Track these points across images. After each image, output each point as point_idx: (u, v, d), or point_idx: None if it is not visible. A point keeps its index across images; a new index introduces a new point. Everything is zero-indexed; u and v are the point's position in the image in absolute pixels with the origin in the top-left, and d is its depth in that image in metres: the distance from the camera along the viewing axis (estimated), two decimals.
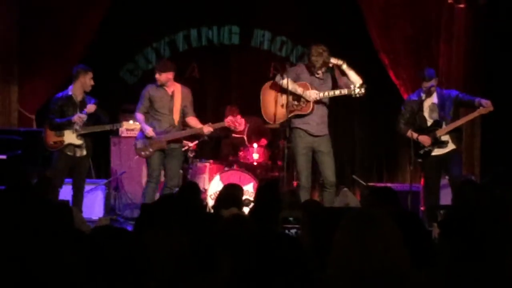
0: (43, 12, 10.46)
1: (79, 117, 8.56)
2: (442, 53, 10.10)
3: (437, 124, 8.36)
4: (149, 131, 8.50)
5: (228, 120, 8.80)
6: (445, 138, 8.34)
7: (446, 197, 8.47)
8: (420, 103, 8.39)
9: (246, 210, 7.15)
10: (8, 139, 9.38)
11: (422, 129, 8.39)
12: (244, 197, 7.08)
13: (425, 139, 8.33)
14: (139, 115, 8.63)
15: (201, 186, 8.90)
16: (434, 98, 8.41)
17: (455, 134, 8.42)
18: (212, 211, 7.72)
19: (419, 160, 8.50)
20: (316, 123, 8.23)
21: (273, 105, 8.35)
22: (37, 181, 7.45)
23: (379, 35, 10.38)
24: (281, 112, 8.25)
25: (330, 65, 8.18)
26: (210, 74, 11.44)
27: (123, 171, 10.27)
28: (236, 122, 8.77)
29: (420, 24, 10.26)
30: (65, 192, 8.63)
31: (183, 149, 9.50)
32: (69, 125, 8.60)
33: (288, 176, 8.83)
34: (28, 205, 4.15)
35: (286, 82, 8.06)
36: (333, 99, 8.38)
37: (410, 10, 10.27)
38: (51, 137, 8.66)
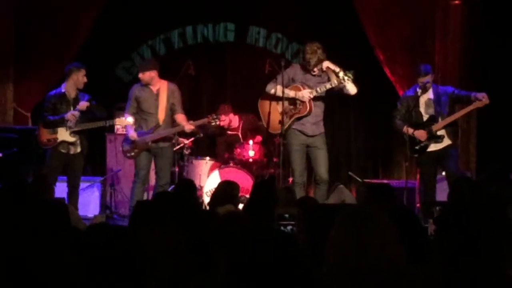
0: (38, 10, 10.46)
1: (72, 115, 8.55)
2: (437, 50, 10.10)
3: (433, 119, 8.37)
4: (132, 134, 8.55)
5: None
6: (441, 132, 8.35)
7: (442, 193, 8.48)
8: (416, 98, 8.40)
9: (242, 207, 7.16)
10: (4, 137, 9.37)
11: (418, 124, 8.39)
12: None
13: (421, 134, 8.34)
14: (127, 117, 8.65)
15: (197, 183, 8.89)
16: (430, 94, 8.43)
17: (451, 128, 8.43)
18: (208, 208, 7.72)
19: (415, 155, 8.50)
20: (311, 123, 8.25)
21: (273, 115, 8.35)
22: (33, 179, 7.44)
23: (374, 33, 10.38)
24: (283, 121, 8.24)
25: (324, 68, 8.16)
26: (206, 72, 11.43)
27: (119, 169, 10.26)
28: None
29: (415, 21, 10.26)
30: (61, 190, 8.62)
31: (179, 146, 9.50)
32: (62, 122, 8.59)
33: (283, 173, 8.84)
34: (24, 204, 4.14)
35: (274, 90, 8.15)
36: (329, 96, 8.38)
37: (406, 7, 10.27)
38: (45, 135, 8.66)
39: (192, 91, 11.32)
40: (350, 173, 10.84)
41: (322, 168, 8.22)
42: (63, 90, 8.71)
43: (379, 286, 2.49)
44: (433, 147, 8.36)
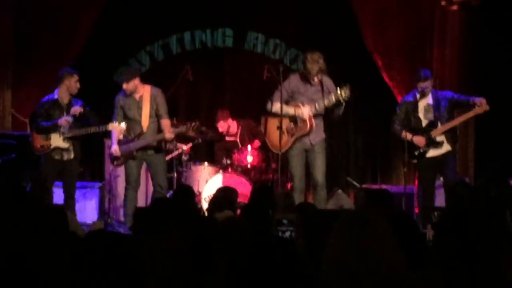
0: (37, 16, 10.47)
1: (65, 120, 8.53)
2: (435, 55, 10.12)
3: (432, 125, 8.36)
4: (114, 148, 8.58)
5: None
6: (440, 138, 8.34)
7: (441, 198, 8.48)
8: (415, 103, 8.40)
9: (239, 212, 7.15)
10: (2, 143, 9.37)
11: (417, 130, 8.38)
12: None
13: (419, 140, 8.33)
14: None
15: (195, 189, 8.89)
16: (429, 99, 8.42)
17: (450, 134, 8.41)
18: (206, 214, 7.71)
19: (414, 161, 8.49)
20: (310, 132, 8.22)
21: (274, 135, 8.30)
22: (32, 185, 7.44)
23: (373, 38, 10.40)
24: (284, 139, 8.19)
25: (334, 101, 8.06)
26: (204, 77, 11.42)
27: (117, 174, 10.25)
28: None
29: (413, 27, 10.28)
30: (57, 196, 8.62)
31: (177, 152, 9.50)
32: (55, 128, 8.57)
33: (282, 178, 8.83)
34: (23, 210, 4.13)
35: (275, 108, 8.07)
36: None
37: (404, 13, 10.29)
38: (38, 141, 8.65)
39: (190, 96, 11.33)
40: (348, 178, 10.85)
41: (318, 171, 8.20)
42: (56, 96, 8.69)
43: None
44: (432, 152, 8.35)
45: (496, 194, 6.06)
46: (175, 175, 9.72)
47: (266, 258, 2.51)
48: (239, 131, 10.42)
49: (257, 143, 10.17)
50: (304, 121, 8.15)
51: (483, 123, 9.44)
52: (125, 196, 8.69)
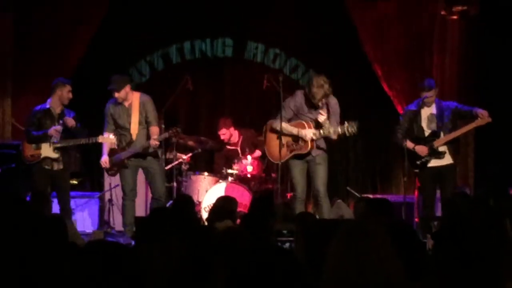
0: (37, 26, 10.47)
1: (54, 130, 8.49)
2: (435, 64, 10.14)
3: (434, 135, 8.35)
4: (104, 159, 8.56)
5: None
6: (442, 149, 8.32)
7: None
8: (418, 113, 8.38)
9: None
10: (2, 152, 9.36)
11: (420, 139, 8.37)
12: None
13: (421, 149, 8.31)
14: (107, 135, 8.58)
15: (195, 198, 8.89)
16: (433, 109, 8.40)
17: (453, 145, 8.39)
18: (206, 223, 7.70)
19: (416, 170, 8.47)
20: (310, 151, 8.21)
21: (275, 146, 8.30)
22: (31, 194, 7.43)
23: (372, 47, 10.43)
24: (283, 151, 8.19)
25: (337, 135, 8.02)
26: (204, 87, 11.43)
27: (117, 184, 10.24)
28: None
29: (413, 36, 10.31)
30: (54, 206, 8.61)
31: (177, 161, 9.49)
32: (46, 138, 8.54)
33: (282, 188, 8.82)
34: (22, 220, 4.13)
35: (280, 126, 8.06)
36: None
37: (404, 23, 10.32)
38: (29, 150, 8.61)
39: (190, 106, 11.34)
40: (348, 188, 10.84)
41: (319, 182, 8.16)
42: (48, 106, 8.65)
43: None
44: (434, 162, 8.32)
45: (495, 203, 6.06)
46: (175, 184, 9.71)
47: (266, 268, 2.51)
48: (240, 141, 10.41)
49: (257, 153, 10.17)
50: (305, 142, 8.12)
51: (482, 132, 9.43)
52: (123, 206, 8.69)
